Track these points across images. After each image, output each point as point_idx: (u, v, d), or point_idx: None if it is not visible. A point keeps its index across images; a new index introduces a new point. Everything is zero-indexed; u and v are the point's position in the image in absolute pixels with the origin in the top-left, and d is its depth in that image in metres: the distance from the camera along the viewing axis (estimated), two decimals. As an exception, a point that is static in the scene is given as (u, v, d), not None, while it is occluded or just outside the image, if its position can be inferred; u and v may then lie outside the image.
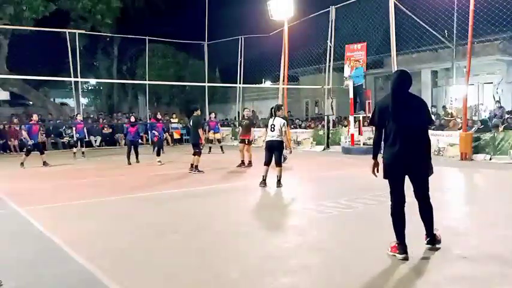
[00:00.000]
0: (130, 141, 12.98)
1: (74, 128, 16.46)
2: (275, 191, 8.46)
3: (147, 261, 4.23)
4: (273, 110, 8.28)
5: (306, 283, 3.65)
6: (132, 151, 12.78)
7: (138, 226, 5.70)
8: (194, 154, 10.52)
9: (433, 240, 4.25)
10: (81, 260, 4.25)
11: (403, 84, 4.11)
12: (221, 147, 16.27)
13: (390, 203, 4.17)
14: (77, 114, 17.66)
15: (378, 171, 4.24)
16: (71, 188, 8.94)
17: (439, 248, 4.23)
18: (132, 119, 13.64)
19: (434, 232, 4.26)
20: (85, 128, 16.90)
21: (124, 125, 13.77)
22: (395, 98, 4.08)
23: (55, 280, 3.88)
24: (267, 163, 8.24)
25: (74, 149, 15.77)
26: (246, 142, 11.42)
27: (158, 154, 12.80)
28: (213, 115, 17.13)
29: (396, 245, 4.09)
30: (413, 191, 4.18)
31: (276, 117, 8.11)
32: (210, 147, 16.30)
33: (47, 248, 4.82)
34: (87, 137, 17.75)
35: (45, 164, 12.64)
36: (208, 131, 17.41)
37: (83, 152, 15.49)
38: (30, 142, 12.54)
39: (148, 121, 20.04)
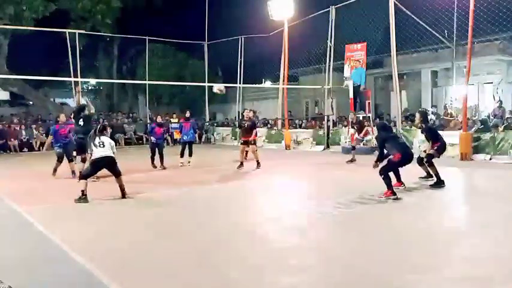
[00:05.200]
0: (153, 143, 11.79)
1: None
2: (275, 191, 8.48)
3: (147, 261, 4.23)
4: (97, 129, 7.59)
5: (306, 283, 3.65)
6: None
7: (138, 226, 5.70)
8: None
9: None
10: (81, 260, 4.24)
11: None
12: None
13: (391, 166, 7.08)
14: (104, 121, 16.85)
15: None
16: (71, 188, 8.92)
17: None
18: (159, 119, 12.62)
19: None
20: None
21: (151, 125, 12.70)
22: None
23: (55, 280, 3.88)
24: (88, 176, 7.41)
25: None
26: (252, 143, 11.19)
27: (190, 154, 12.11)
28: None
29: (390, 192, 6.74)
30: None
31: (103, 136, 7.52)
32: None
33: (46, 248, 4.82)
34: None
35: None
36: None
37: None
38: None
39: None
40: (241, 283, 3.70)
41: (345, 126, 16.58)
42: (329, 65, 16.76)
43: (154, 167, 11.72)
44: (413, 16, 14.73)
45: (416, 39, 15.48)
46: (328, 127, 16.77)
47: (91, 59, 27.05)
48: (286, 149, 17.25)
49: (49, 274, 4.02)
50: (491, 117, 14.76)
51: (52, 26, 19.32)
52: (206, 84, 21.93)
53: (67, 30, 19.13)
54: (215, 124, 23.44)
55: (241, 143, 11.63)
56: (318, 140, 16.89)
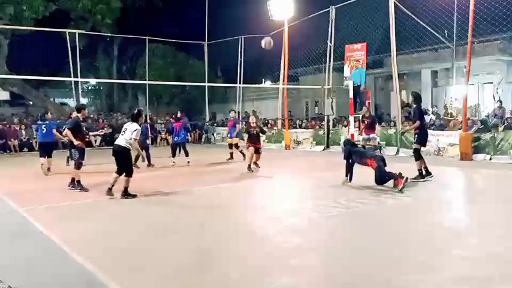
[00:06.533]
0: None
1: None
2: (275, 191, 8.48)
3: (147, 261, 4.23)
4: (133, 114, 7.58)
5: (306, 283, 3.65)
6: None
7: (138, 226, 5.70)
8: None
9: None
10: (81, 260, 4.24)
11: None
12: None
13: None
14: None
15: None
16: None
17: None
18: (179, 114, 12.49)
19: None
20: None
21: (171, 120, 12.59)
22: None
23: (55, 280, 3.88)
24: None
25: None
26: (260, 152, 10.71)
27: (186, 154, 12.08)
28: (232, 113, 14.35)
29: (400, 179, 7.29)
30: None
31: (132, 123, 7.38)
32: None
33: (46, 248, 4.82)
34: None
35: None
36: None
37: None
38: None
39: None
40: (241, 283, 3.70)
41: (345, 126, 16.58)
42: (329, 65, 16.75)
43: (152, 165, 11.94)
44: (413, 16, 14.72)
45: (416, 39, 15.48)
46: (328, 127, 16.76)
47: (91, 59, 27.06)
48: (286, 149, 17.26)
49: (49, 274, 4.02)
50: (491, 117, 14.76)
51: (52, 26, 19.32)
52: (206, 84, 21.93)
53: (67, 30, 19.11)
54: (215, 124, 23.44)
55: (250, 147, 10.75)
56: (318, 140, 16.89)
